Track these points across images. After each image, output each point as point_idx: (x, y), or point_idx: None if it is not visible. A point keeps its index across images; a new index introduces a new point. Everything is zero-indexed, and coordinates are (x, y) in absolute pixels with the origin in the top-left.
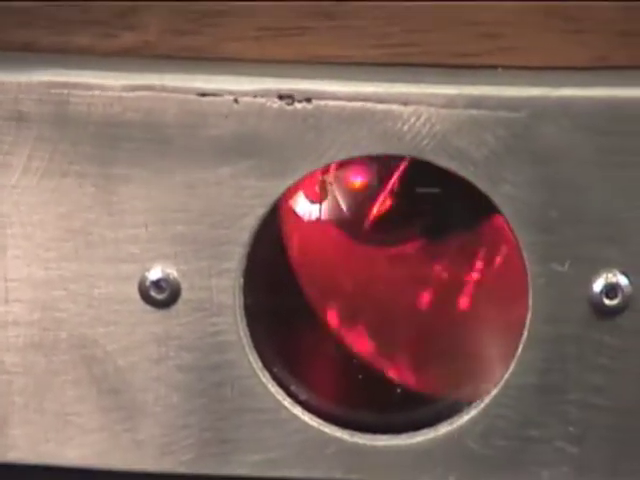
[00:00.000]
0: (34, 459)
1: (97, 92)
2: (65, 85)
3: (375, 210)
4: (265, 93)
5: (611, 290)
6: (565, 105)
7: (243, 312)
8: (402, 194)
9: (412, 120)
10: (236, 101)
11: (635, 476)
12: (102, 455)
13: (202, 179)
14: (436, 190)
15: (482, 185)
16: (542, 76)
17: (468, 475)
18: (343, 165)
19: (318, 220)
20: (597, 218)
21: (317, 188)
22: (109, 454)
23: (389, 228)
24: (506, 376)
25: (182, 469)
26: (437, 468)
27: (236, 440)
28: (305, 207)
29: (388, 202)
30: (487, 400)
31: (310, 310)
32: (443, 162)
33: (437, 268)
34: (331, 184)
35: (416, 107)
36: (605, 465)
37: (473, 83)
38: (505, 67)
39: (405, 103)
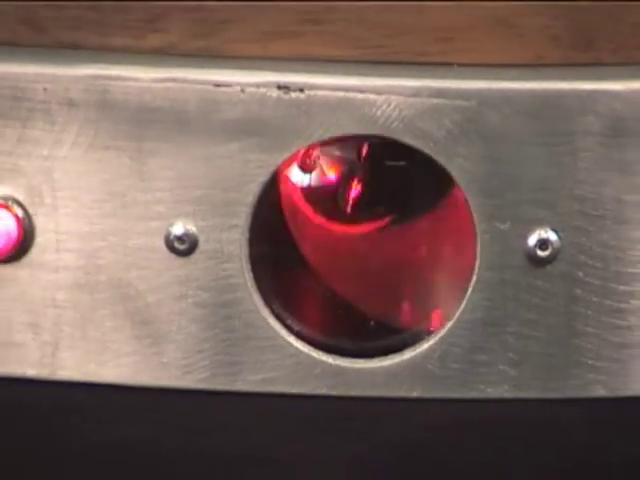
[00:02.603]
0: (79, 377)
1: (132, 83)
2: (106, 77)
3: (353, 179)
4: (266, 84)
5: (543, 244)
6: (507, 95)
7: (248, 260)
8: (375, 168)
9: (384, 107)
10: (243, 91)
11: (561, 392)
12: (135, 374)
13: (216, 153)
14: (403, 164)
15: (440, 159)
16: (489, 71)
17: (428, 391)
18: (329, 142)
19: (308, 186)
20: (532, 186)
21: (307, 160)
22: (140, 373)
23: (363, 198)
24: (458, 312)
25: (200, 385)
26: (403, 386)
27: (242, 363)
28: (298, 176)
29: (364, 172)
30: (443, 331)
31: (302, 257)
32: (409, 141)
33: (406, 225)
34: (318, 157)
35: (387, 96)
36: (537, 384)
37: (434, 77)
38: (459, 64)
39: (379, 93)
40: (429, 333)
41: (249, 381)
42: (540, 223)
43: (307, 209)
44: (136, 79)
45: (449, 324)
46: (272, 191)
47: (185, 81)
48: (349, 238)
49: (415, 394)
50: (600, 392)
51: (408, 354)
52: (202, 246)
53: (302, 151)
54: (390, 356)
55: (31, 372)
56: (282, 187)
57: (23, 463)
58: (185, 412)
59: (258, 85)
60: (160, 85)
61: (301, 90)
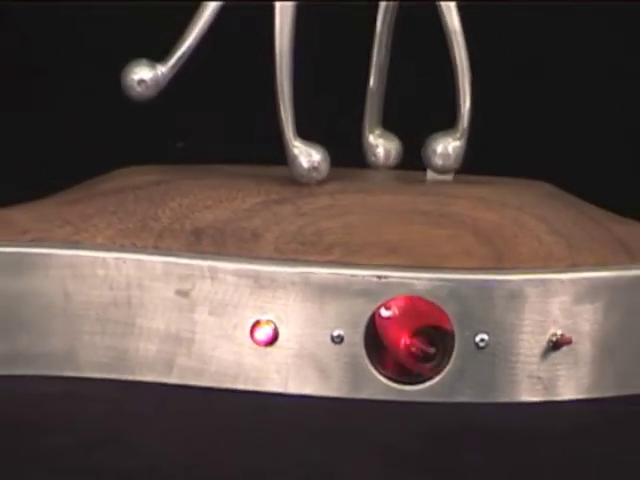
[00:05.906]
0: (304, 393)
1: (317, 276)
2: (308, 276)
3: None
4: (372, 276)
5: (482, 340)
6: (477, 284)
7: (364, 345)
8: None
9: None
10: (353, 276)
11: (493, 399)
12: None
13: (350, 303)
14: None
15: (447, 313)
16: (472, 272)
17: (436, 398)
18: (398, 298)
19: (388, 317)
20: (480, 318)
21: (388, 305)
22: (323, 390)
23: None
24: (447, 367)
25: (346, 395)
26: (427, 397)
27: (361, 388)
28: (384, 312)
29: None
30: (442, 375)
31: (385, 345)
32: (443, 309)
33: (426, 339)
34: (392, 305)
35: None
36: (482, 395)
37: (452, 284)
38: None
39: (418, 280)
40: (436, 375)
41: (365, 394)
42: (481, 331)
43: (387, 327)
44: (318, 274)
45: (444, 371)
46: (374, 318)
47: (338, 274)
48: (409, 346)
49: (431, 400)
50: (523, 399)
51: (429, 383)
52: (346, 340)
53: (386, 301)
54: (420, 384)
55: (277, 389)
56: (377, 317)
57: None
58: (325, 414)
59: (371, 276)
60: (333, 277)
61: (385, 277)
